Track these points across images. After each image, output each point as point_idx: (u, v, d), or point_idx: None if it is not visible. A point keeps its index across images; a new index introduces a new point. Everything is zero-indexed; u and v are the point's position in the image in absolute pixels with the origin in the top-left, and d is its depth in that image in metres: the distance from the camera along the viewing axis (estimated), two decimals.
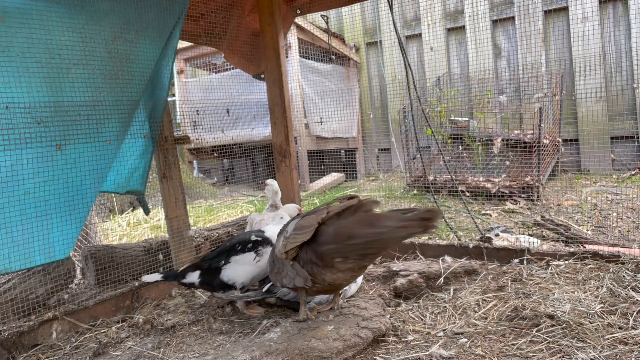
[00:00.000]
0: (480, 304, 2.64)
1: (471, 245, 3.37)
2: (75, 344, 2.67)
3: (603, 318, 2.28)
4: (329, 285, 2.25)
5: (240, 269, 2.74)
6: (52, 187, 2.61)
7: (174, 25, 3.22)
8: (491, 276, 3.02)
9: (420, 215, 1.98)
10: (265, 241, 2.79)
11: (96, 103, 2.80)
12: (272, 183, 3.53)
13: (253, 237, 2.81)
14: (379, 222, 2.03)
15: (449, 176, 6.00)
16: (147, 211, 3.58)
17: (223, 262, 2.76)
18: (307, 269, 2.21)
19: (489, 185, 5.75)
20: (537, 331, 2.23)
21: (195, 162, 9.13)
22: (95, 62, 2.78)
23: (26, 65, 2.49)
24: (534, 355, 2.04)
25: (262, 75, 4.37)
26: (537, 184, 5.52)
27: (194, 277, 2.80)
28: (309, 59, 8.03)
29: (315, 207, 2.34)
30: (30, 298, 2.95)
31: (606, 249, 3.13)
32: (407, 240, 3.62)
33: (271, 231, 2.87)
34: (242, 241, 2.80)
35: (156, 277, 2.84)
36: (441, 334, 2.35)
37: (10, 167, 2.45)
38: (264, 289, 2.81)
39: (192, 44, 6.74)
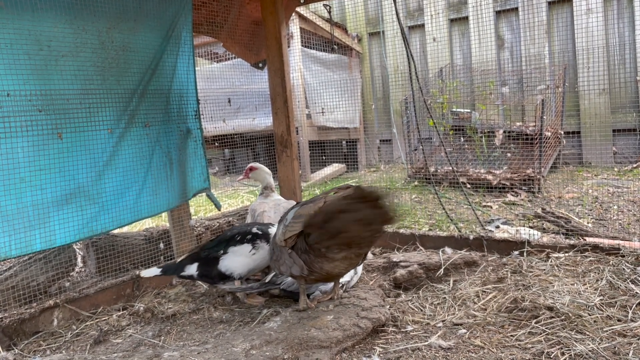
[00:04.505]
0: (480, 295, 2.65)
1: (471, 237, 3.38)
2: (76, 331, 2.68)
3: (602, 310, 2.29)
4: (327, 274, 2.26)
5: (237, 260, 2.74)
6: (49, 175, 2.60)
7: (176, 13, 3.21)
8: (491, 268, 3.02)
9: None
10: (265, 236, 2.77)
11: (96, 92, 2.80)
12: (259, 166, 3.44)
13: (254, 230, 2.79)
14: (341, 209, 2.03)
15: (450, 168, 5.99)
16: (218, 206, 3.59)
17: (222, 252, 2.76)
18: (304, 257, 2.22)
19: (490, 177, 5.75)
20: (536, 323, 2.24)
21: None
22: (88, 52, 2.76)
23: (25, 53, 2.48)
24: (532, 347, 2.05)
25: (261, 64, 4.34)
26: (538, 176, 5.52)
27: (192, 269, 2.79)
28: (311, 48, 7.99)
29: (314, 196, 2.34)
30: (32, 285, 2.97)
31: (606, 242, 3.13)
32: (408, 231, 3.63)
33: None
34: (242, 232, 2.79)
35: (155, 271, 2.83)
36: (440, 324, 2.36)
37: (10, 154, 2.45)
38: (267, 280, 2.81)
39: (194, 33, 6.71)
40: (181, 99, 3.36)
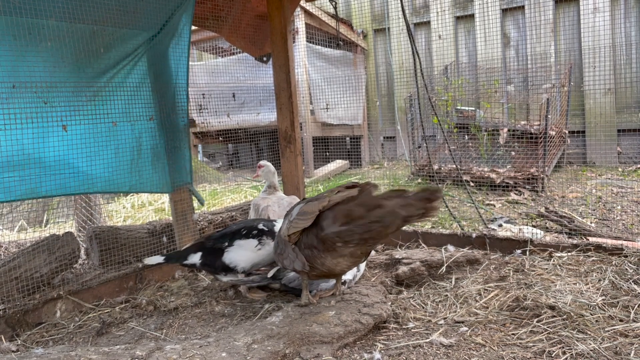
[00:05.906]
0: (482, 293, 2.65)
1: (474, 235, 3.37)
2: (79, 323, 2.69)
3: (604, 310, 2.29)
4: (328, 271, 2.26)
5: (242, 253, 2.76)
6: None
7: (177, 7, 3.19)
8: (493, 266, 3.02)
9: (421, 195, 1.95)
10: (271, 233, 2.79)
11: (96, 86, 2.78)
12: (267, 164, 3.50)
13: (260, 226, 2.81)
14: (379, 204, 2.01)
15: (454, 166, 5.98)
16: (201, 202, 3.55)
17: (227, 244, 2.77)
18: (307, 253, 2.22)
19: (493, 175, 5.74)
20: (537, 321, 2.24)
21: (200, 145, 9.13)
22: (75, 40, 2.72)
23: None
24: (534, 345, 2.05)
25: (265, 58, 4.33)
26: (542, 175, 5.50)
27: (195, 258, 2.81)
28: (316, 44, 7.97)
29: (319, 193, 2.34)
30: (35, 277, 2.98)
31: (609, 242, 3.13)
32: (410, 229, 3.63)
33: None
34: (248, 227, 2.81)
35: (158, 259, 2.84)
36: (442, 322, 2.36)
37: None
38: (269, 274, 2.82)
39: (197, 27, 6.70)
40: (168, 92, 3.29)
